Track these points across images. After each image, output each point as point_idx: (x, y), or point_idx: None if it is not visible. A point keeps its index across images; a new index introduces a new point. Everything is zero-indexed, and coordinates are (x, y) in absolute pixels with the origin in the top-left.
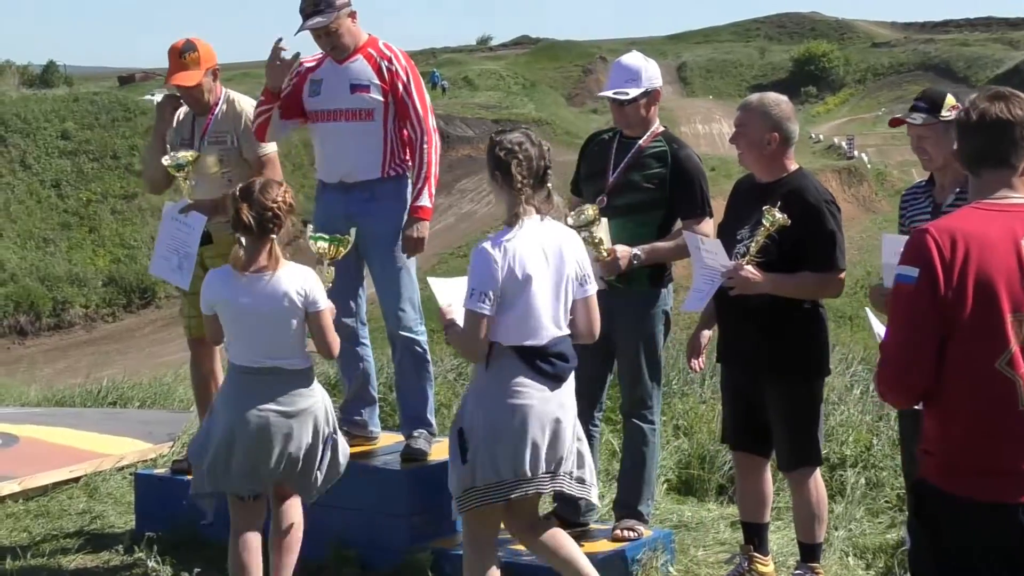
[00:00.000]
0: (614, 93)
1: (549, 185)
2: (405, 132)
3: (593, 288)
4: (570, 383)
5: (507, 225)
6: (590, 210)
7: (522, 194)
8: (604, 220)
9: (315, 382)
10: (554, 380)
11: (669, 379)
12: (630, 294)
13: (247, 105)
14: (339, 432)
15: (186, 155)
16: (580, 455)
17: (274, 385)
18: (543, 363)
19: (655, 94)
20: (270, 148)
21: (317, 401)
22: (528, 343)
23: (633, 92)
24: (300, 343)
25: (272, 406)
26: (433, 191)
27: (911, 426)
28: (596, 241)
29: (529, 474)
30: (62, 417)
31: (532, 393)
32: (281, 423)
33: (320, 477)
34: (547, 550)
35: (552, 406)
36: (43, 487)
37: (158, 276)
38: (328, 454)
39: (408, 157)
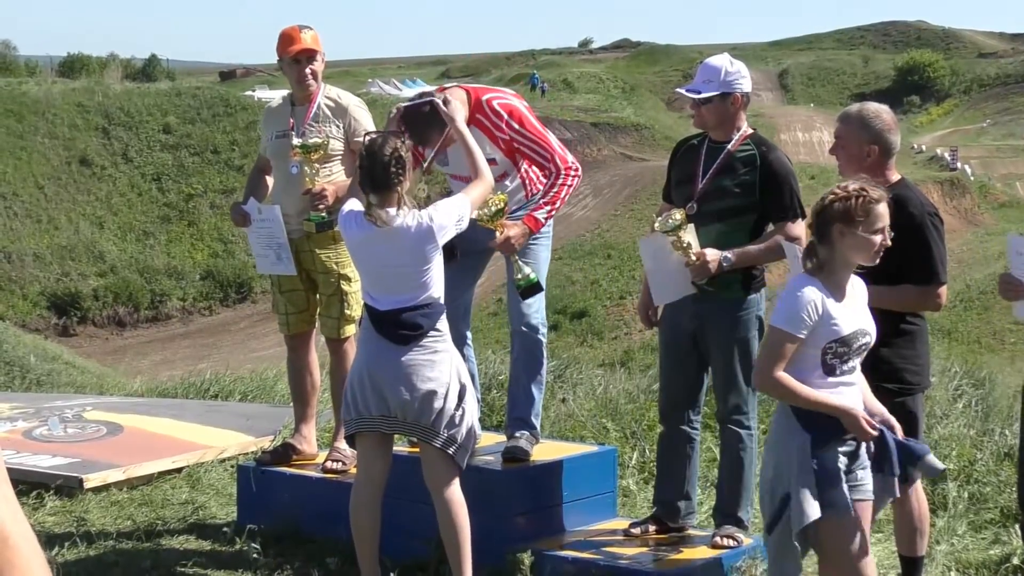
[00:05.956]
0: (685, 90)
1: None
2: (542, 168)
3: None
4: (425, 346)
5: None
6: (677, 214)
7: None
8: (691, 225)
9: None
10: (396, 341)
11: None
12: (722, 300)
13: (351, 99)
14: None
15: (316, 140)
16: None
17: None
18: (382, 325)
19: (736, 97)
20: None
21: None
22: (372, 307)
23: (706, 92)
24: None
25: None
26: (552, 215)
27: None
28: (684, 245)
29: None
30: (164, 408)
31: (370, 348)
32: None
33: None
34: (442, 509)
35: (386, 359)
36: (147, 476)
37: (265, 273)
38: None
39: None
